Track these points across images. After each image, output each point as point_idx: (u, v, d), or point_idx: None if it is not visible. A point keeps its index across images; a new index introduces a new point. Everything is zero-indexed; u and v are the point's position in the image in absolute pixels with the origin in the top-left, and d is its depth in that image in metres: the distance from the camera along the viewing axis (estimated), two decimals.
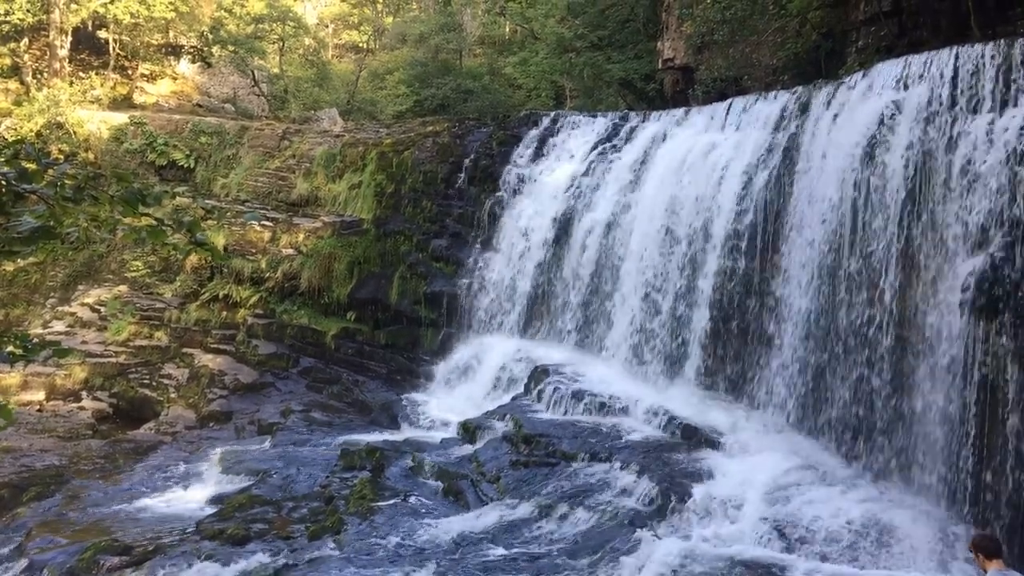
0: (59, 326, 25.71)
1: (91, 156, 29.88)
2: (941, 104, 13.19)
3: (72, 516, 15.81)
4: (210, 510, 15.59)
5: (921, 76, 13.81)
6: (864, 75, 15.52)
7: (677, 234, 18.82)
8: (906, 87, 14.08)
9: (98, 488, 17.39)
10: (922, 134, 13.21)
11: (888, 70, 14.74)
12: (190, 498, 16.69)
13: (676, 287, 18.57)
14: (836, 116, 15.59)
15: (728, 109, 19.63)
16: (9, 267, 26.89)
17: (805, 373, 15.03)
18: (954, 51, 13.40)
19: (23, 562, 13.65)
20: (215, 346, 25.42)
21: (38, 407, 22.63)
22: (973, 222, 12.11)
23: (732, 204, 17.42)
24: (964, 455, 11.76)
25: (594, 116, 25.68)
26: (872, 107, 14.43)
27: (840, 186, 14.57)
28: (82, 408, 22.99)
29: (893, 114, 13.88)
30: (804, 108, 16.93)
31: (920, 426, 12.57)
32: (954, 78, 13.15)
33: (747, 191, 17.20)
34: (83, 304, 26.42)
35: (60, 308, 26.49)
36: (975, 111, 12.78)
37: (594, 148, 23.53)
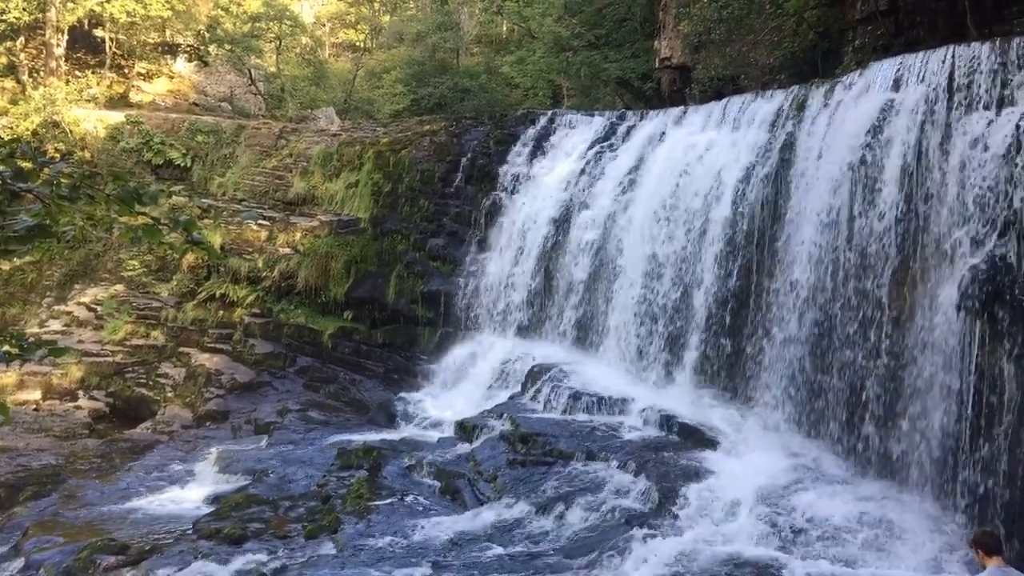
0: (55, 325, 25.65)
1: (87, 155, 29.79)
2: (938, 103, 13.20)
3: (68, 515, 15.78)
4: (207, 509, 15.57)
5: (918, 75, 13.83)
6: (861, 74, 15.54)
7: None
8: (902, 86, 14.09)
9: (95, 487, 17.36)
10: (918, 133, 13.23)
11: (884, 69, 14.77)
12: (187, 497, 16.67)
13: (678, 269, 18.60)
14: (832, 115, 15.61)
15: (725, 108, 19.64)
16: (5, 266, 26.83)
17: (803, 374, 15.04)
18: (950, 50, 13.42)
19: (19, 561, 13.64)
20: (212, 345, 25.37)
21: (34, 406, 22.58)
22: (970, 221, 12.12)
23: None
24: (960, 454, 11.78)
25: (591, 115, 25.68)
26: (868, 106, 14.45)
27: (836, 185, 14.58)
28: (78, 407, 22.94)
29: (889, 113, 13.90)
30: (801, 107, 16.94)
31: (917, 425, 12.59)
32: (950, 77, 13.17)
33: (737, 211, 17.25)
34: (79, 303, 26.36)
35: (56, 307, 26.43)
36: (972, 110, 12.80)
37: (591, 147, 23.53)
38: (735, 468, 14.02)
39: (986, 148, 12.16)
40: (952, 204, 12.45)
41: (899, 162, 13.40)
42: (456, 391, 21.76)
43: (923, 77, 13.69)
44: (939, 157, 12.85)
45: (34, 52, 34.16)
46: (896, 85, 14.26)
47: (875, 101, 14.35)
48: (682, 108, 22.28)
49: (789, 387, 15.29)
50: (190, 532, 14.21)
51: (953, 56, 13.29)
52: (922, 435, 12.47)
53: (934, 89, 13.34)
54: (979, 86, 12.83)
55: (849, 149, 14.46)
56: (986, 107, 12.66)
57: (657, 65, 27.95)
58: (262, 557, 12.75)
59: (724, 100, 20.15)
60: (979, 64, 12.88)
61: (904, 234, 13.15)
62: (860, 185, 14.07)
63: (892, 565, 11.30)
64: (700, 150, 19.13)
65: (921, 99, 13.43)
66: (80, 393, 23.67)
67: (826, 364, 14.45)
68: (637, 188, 20.74)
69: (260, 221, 27.22)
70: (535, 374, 19.29)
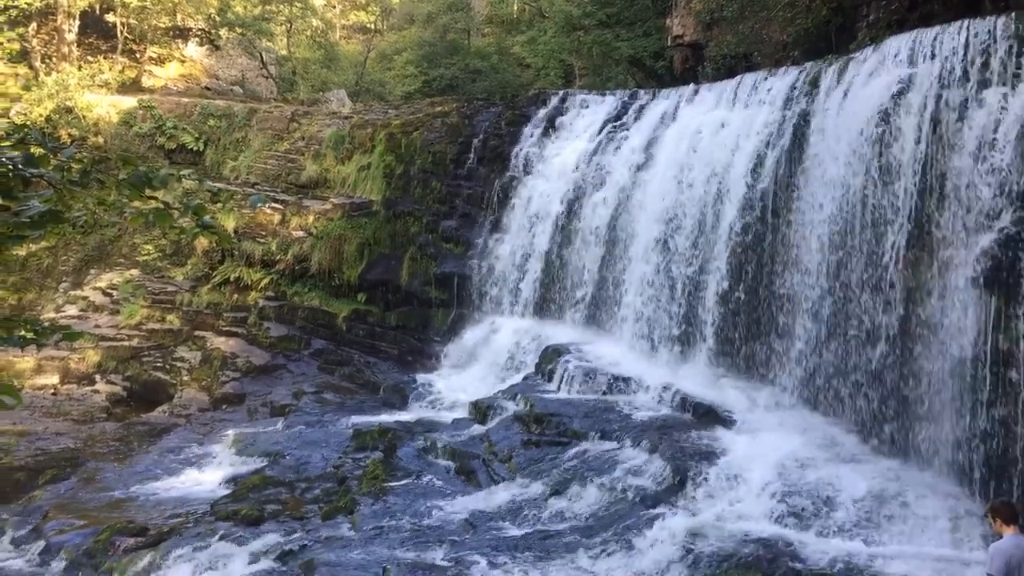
0: (72, 310, 25.82)
1: (101, 140, 29.91)
2: (952, 79, 13.07)
3: (88, 498, 15.95)
4: (224, 491, 15.71)
5: (932, 50, 13.69)
6: (874, 50, 15.39)
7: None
8: (917, 62, 13.96)
9: (113, 470, 17.53)
10: (933, 109, 13.10)
11: (899, 45, 14.62)
12: (204, 480, 16.81)
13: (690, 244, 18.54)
14: (846, 92, 15.48)
15: (738, 86, 19.50)
16: (21, 252, 26.99)
17: (818, 352, 14.99)
18: (965, 24, 13.28)
19: (40, 544, 13.82)
20: (227, 329, 25.50)
21: (52, 391, 22.78)
22: (986, 197, 12.03)
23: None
24: (975, 430, 11.73)
25: (603, 94, 25.55)
26: (883, 82, 14.32)
27: (850, 162, 14.48)
28: (96, 391, 23.13)
29: (904, 89, 13.77)
30: (814, 84, 16.81)
31: (932, 402, 12.54)
32: (965, 52, 13.03)
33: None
34: (95, 288, 26.52)
35: (73, 292, 26.61)
36: (987, 85, 12.67)
37: (603, 127, 23.43)
38: (750, 446, 14.00)
39: (1001, 123, 12.05)
40: (967, 180, 12.35)
41: (913, 138, 13.29)
42: (470, 372, 21.81)
43: (938, 52, 13.55)
44: (954, 133, 12.73)
45: (46, 38, 34.23)
46: (910, 60, 14.12)
47: (889, 77, 14.22)
48: (694, 86, 22.11)
49: (804, 365, 15.25)
50: (208, 514, 14.34)
51: (968, 31, 13.15)
52: (937, 412, 12.42)
53: (949, 64, 13.21)
54: (994, 61, 12.69)
55: (863, 125, 14.34)
56: (1001, 82, 12.53)
57: (669, 43, 27.77)
58: (279, 538, 12.87)
59: (737, 78, 20.01)
60: (994, 39, 12.73)
61: (919, 210, 13.06)
62: (874, 162, 13.97)
63: (907, 542, 11.30)
64: (713, 128, 19.01)
65: (936, 75, 13.31)
66: (97, 377, 23.85)
67: (841, 342, 14.40)
68: (649, 167, 20.64)
69: (273, 204, 27.26)
70: (549, 355, 19.30)
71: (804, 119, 16.48)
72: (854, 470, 12.83)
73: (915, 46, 14.13)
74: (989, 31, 12.82)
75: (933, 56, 13.61)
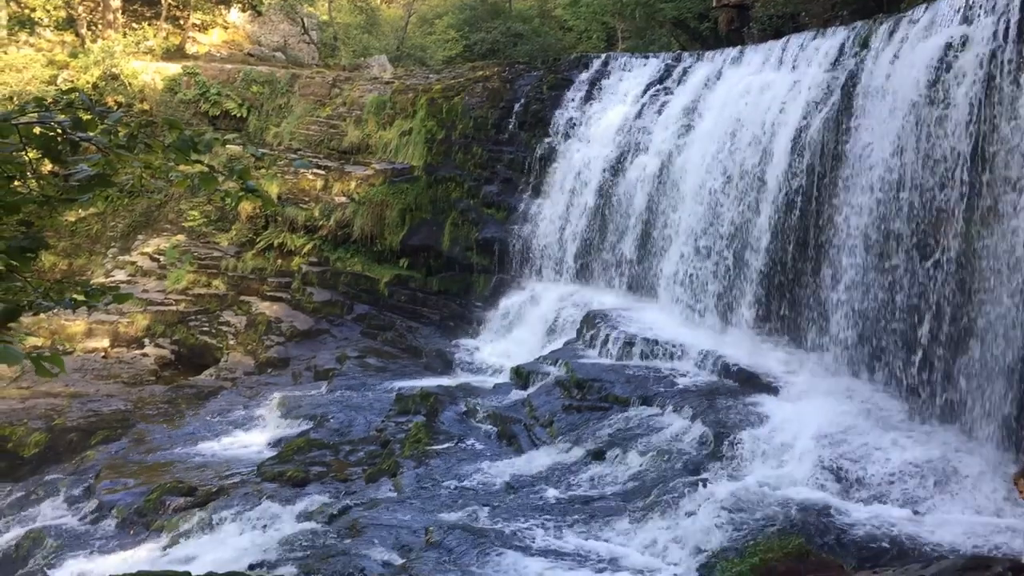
0: (120, 275, 26.29)
1: (146, 106, 30.20)
2: (1008, 36, 12.68)
3: (138, 458, 16.34)
4: (270, 453, 15.99)
5: (988, 7, 13.28)
6: (927, 8, 14.97)
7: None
8: (972, 20, 13.56)
9: (162, 432, 17.92)
10: (988, 68, 12.74)
11: (953, 2, 14.20)
12: (250, 441, 17.12)
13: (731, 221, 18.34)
14: (897, 52, 15.10)
15: (784, 47, 19.12)
16: (71, 217, 27.49)
17: (865, 317, 14.78)
18: None
19: (93, 502, 14.21)
20: (271, 294, 25.83)
21: (103, 354, 23.29)
22: None
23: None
24: None
25: (646, 57, 25.21)
26: (935, 42, 13.94)
27: (900, 123, 14.16)
28: (145, 355, 23.61)
29: (957, 48, 13.39)
30: (864, 44, 16.42)
31: (981, 368, 12.33)
32: (1022, 8, 12.61)
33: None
34: (143, 253, 26.96)
35: (121, 258, 27.07)
36: None
37: (647, 90, 23.16)
38: (793, 412, 13.89)
39: None
40: (1021, 140, 12.01)
41: (967, 98, 12.94)
42: (511, 337, 21.87)
43: (994, 9, 13.14)
44: (1010, 92, 12.38)
45: (92, 5, 34.48)
46: (965, 19, 13.71)
47: (942, 36, 13.83)
48: (740, 48, 21.73)
49: (849, 330, 15.05)
50: (254, 475, 14.62)
51: None
52: (986, 378, 12.21)
53: (1004, 21, 12.81)
54: None
55: (914, 86, 14.00)
56: None
57: (714, 4, 27.25)
58: (324, 499, 13.08)
59: (783, 39, 19.60)
60: None
61: (971, 171, 12.75)
62: (925, 123, 13.65)
63: (953, 510, 11.18)
64: (759, 90, 18.69)
65: (991, 32, 12.91)
66: (146, 341, 24.35)
67: (888, 306, 14.18)
68: (693, 131, 20.39)
69: (315, 170, 27.43)
70: (590, 320, 19.27)
71: (853, 80, 16.12)
72: (900, 436, 12.69)
73: (970, 3, 13.71)
74: None
75: (988, 14, 13.20)
